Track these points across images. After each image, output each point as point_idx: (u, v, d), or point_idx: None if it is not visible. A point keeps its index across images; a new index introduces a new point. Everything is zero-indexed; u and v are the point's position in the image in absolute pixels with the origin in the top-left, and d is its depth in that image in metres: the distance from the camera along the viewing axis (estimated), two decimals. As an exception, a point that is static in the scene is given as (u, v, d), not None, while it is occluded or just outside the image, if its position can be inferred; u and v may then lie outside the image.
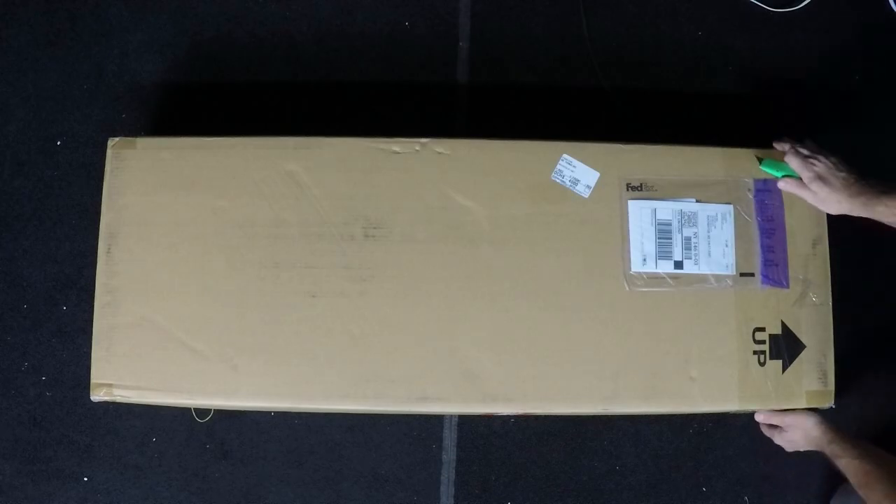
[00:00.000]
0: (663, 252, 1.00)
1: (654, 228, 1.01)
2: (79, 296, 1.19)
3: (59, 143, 1.25)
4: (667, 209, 1.01)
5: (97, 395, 0.97)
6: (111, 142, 1.03)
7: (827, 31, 1.30)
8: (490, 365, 0.97)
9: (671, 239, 1.01)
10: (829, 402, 0.99)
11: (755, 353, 0.99)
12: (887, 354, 1.20)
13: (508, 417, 1.17)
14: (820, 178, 0.98)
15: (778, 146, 1.04)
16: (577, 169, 1.02)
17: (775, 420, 1.00)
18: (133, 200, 1.01)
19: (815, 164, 0.98)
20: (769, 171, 1.02)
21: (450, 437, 1.17)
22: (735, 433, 1.18)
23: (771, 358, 0.99)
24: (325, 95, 1.26)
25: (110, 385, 0.97)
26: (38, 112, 1.26)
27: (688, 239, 1.01)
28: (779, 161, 1.02)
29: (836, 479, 1.15)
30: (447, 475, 1.16)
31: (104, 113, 1.26)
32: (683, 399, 0.98)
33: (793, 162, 1.00)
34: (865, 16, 1.31)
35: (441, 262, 1.00)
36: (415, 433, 1.17)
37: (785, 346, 0.99)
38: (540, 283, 0.99)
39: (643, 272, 1.00)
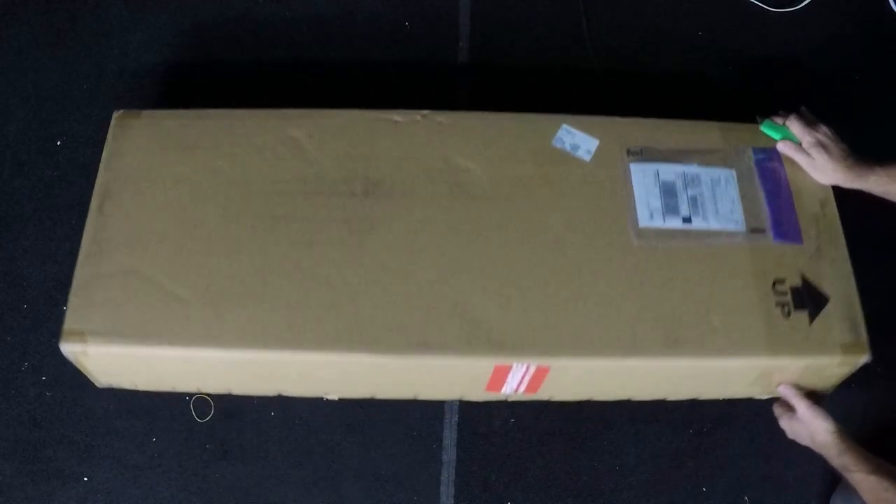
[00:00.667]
0: (670, 207, 0.98)
1: (658, 188, 0.99)
2: (79, 296, 1.19)
3: (59, 143, 1.25)
4: (669, 171, 1.00)
5: (68, 344, 0.90)
6: (116, 113, 1.03)
7: (827, 31, 1.30)
8: (496, 312, 0.92)
9: (676, 197, 0.99)
10: (864, 355, 0.94)
11: (778, 304, 0.94)
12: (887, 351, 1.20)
13: (509, 419, 1.17)
14: (821, 144, 0.98)
15: (777, 120, 1.04)
16: (578, 136, 1.02)
17: (795, 401, 0.96)
18: (131, 161, 1.00)
19: (816, 131, 0.98)
20: (768, 133, 1.02)
21: (450, 437, 1.17)
22: (735, 433, 1.18)
23: (795, 309, 0.94)
24: (325, 96, 1.26)
25: (83, 332, 0.91)
26: (38, 112, 1.26)
27: (693, 198, 0.99)
28: (779, 125, 1.02)
29: (835, 479, 1.15)
30: (447, 475, 1.16)
31: (104, 113, 1.25)
32: (707, 348, 0.92)
33: (794, 126, 1.00)
34: (865, 16, 1.31)
35: (443, 215, 0.97)
36: (415, 433, 1.17)
37: (808, 298, 0.95)
38: (545, 236, 0.97)
39: (651, 226, 0.97)
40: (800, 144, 1.00)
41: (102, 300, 0.92)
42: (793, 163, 1.01)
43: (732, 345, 0.92)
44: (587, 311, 0.93)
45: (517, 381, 0.98)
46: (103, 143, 1.03)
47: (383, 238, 0.96)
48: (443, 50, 1.27)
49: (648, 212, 0.98)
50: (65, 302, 1.19)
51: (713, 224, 0.98)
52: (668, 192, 0.99)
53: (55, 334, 1.18)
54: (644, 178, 1.00)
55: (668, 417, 1.18)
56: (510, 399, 1.04)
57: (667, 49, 1.28)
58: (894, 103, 1.27)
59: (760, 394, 1.04)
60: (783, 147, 1.01)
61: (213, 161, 1.00)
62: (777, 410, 1.02)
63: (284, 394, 1.05)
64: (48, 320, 1.20)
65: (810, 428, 0.96)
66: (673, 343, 0.92)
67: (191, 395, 1.16)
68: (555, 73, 1.27)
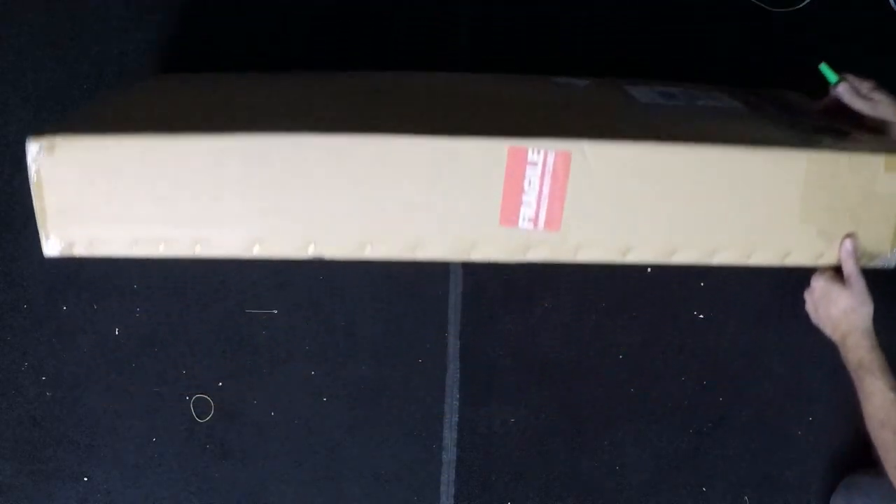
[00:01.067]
0: (669, 96, 0.98)
1: (656, 93, 0.99)
2: (79, 296, 1.19)
3: (59, 143, 1.25)
4: (666, 88, 1.01)
5: (35, 140, 0.84)
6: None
7: (827, 31, 1.30)
8: (512, 107, 0.89)
9: (678, 98, 0.99)
10: None
11: (801, 130, 0.90)
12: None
13: (509, 419, 1.17)
14: (880, 88, 0.95)
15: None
16: (571, 79, 1.05)
17: (850, 262, 0.86)
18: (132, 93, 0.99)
19: (868, 81, 0.95)
20: (826, 74, 1.00)
21: (450, 437, 1.17)
22: (735, 433, 1.18)
23: (817, 133, 0.90)
24: (325, 95, 1.26)
25: (54, 133, 0.83)
26: (38, 112, 1.26)
27: (692, 96, 0.99)
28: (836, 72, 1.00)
29: (835, 480, 1.15)
30: (447, 475, 1.16)
31: (104, 113, 1.26)
32: (742, 140, 0.85)
33: (849, 76, 0.97)
34: (865, 16, 1.31)
35: (451, 84, 0.96)
36: (415, 433, 1.17)
37: (829, 130, 0.91)
38: (553, 95, 0.96)
39: (653, 101, 0.96)
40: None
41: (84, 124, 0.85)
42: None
43: (767, 140, 0.86)
44: (607, 119, 0.88)
45: (535, 194, 0.85)
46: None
47: (388, 100, 0.92)
48: (443, 51, 1.27)
49: (649, 96, 0.98)
50: (65, 302, 1.20)
51: (715, 103, 0.97)
52: (669, 96, 0.99)
53: (55, 334, 1.19)
54: (641, 91, 1.00)
55: (668, 417, 1.18)
56: (528, 255, 0.87)
57: (666, 50, 1.28)
58: (894, 103, 1.28)
59: (818, 253, 0.90)
60: (843, 90, 0.96)
61: (218, 88, 0.99)
62: (820, 270, 0.92)
63: (261, 248, 0.85)
64: (48, 320, 1.20)
65: (854, 300, 0.86)
66: (704, 134, 0.85)
67: (190, 395, 1.16)
68: (554, 71, 1.27)
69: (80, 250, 0.85)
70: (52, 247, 0.85)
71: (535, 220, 0.86)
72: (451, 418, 1.17)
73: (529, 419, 1.17)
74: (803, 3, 1.29)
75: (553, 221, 0.85)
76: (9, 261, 1.21)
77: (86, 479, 1.15)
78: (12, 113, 1.25)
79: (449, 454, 1.17)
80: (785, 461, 1.17)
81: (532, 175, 0.82)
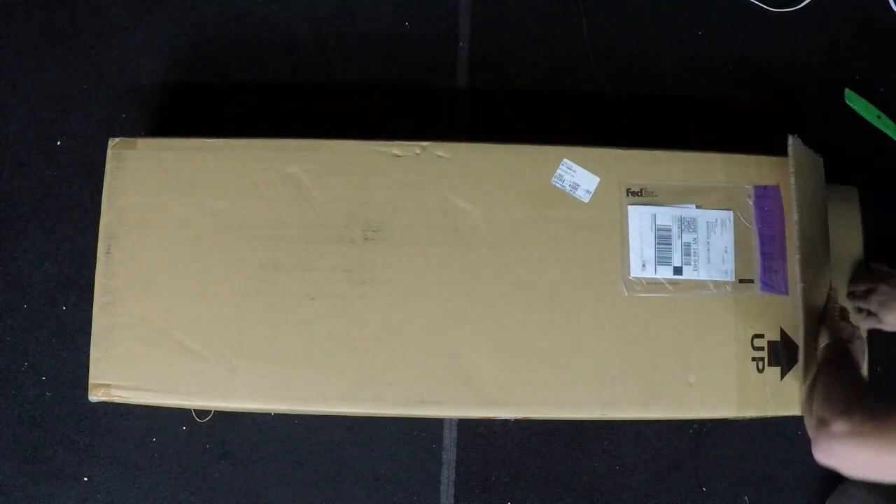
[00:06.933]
0: (663, 258, 1.00)
1: (653, 234, 1.00)
2: (79, 296, 1.19)
3: (59, 143, 1.25)
4: (667, 215, 1.01)
5: (95, 396, 0.97)
6: (111, 142, 1.03)
7: (827, 31, 1.30)
8: (488, 369, 0.97)
9: (671, 245, 1.00)
10: None
11: (754, 359, 0.98)
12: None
13: (507, 420, 1.17)
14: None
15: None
16: (578, 174, 1.02)
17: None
18: (133, 201, 1.01)
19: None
20: (854, 107, 0.99)
21: (450, 437, 1.17)
22: (735, 433, 1.18)
23: (770, 365, 0.98)
24: (326, 96, 1.26)
25: (108, 385, 0.97)
26: (38, 112, 1.26)
27: (687, 245, 1.00)
28: (865, 101, 1.00)
29: (835, 480, 1.15)
30: (447, 475, 1.16)
31: (104, 113, 1.25)
32: (681, 405, 0.98)
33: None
34: (865, 16, 1.31)
35: (440, 265, 1.00)
36: (415, 433, 1.17)
37: (784, 353, 0.99)
38: (539, 287, 0.99)
39: (642, 277, 0.99)
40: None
41: (122, 353, 0.98)
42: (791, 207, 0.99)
43: (704, 402, 0.98)
44: (573, 367, 0.98)
45: (505, 419, 1.07)
46: (103, 144, 1.02)
47: (382, 290, 0.99)
48: (443, 51, 1.27)
49: (641, 261, 1.00)
50: (65, 302, 1.20)
51: (703, 275, 1.00)
52: (663, 239, 1.01)
53: (55, 334, 1.19)
54: (640, 224, 1.01)
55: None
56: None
57: (667, 49, 1.28)
58: (894, 103, 1.27)
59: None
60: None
61: (213, 202, 1.01)
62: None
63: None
64: (48, 320, 1.20)
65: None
66: (649, 399, 0.98)
67: (191, 395, 1.17)
68: (555, 75, 1.27)
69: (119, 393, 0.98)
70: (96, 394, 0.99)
71: (506, 420, 1.15)
72: (451, 419, 1.17)
73: (529, 420, 1.17)
74: (803, 3, 1.29)
75: (521, 421, 1.10)
76: (9, 261, 1.21)
77: (86, 479, 1.15)
78: (12, 113, 1.25)
79: (449, 454, 1.17)
80: (785, 461, 1.17)
81: (501, 416, 1.01)
